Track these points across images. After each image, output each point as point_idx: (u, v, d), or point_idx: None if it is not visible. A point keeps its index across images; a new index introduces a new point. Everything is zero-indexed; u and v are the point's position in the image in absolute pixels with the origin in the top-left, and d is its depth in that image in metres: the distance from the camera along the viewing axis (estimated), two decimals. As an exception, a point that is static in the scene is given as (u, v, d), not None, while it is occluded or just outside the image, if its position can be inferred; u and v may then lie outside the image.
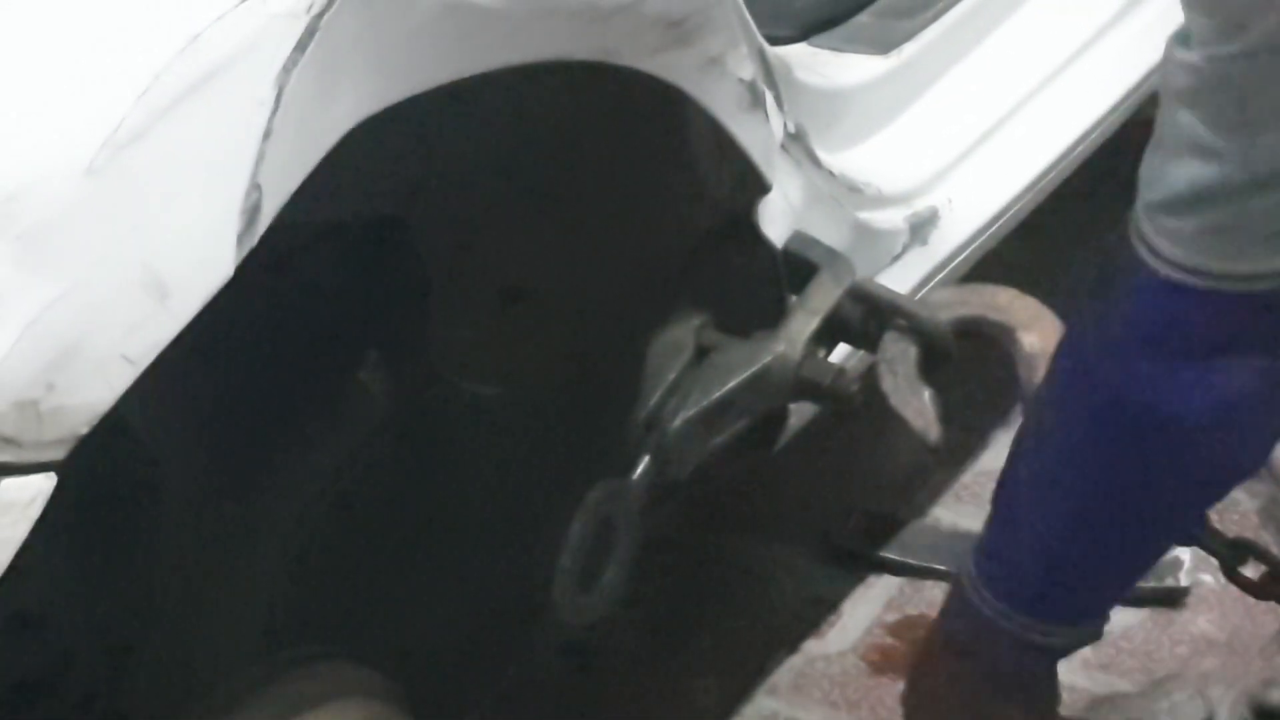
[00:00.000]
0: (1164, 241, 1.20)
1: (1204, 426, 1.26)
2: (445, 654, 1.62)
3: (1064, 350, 1.35)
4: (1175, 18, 1.88)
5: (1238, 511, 1.80)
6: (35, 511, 1.01)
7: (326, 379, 1.53)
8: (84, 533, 1.30)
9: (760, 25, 1.48)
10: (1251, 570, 1.53)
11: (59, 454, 1.02)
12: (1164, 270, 1.20)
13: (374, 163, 1.19)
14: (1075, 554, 1.37)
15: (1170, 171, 1.19)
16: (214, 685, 1.38)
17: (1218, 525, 1.50)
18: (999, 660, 1.43)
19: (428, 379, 1.56)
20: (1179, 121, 1.18)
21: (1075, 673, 1.75)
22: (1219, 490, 1.38)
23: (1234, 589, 1.55)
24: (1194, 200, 1.18)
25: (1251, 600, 1.59)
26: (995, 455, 1.94)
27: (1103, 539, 1.35)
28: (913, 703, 1.53)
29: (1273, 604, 1.54)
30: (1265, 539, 1.65)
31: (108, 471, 1.23)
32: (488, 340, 1.55)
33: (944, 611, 1.49)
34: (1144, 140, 1.33)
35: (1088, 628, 1.45)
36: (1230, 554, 1.49)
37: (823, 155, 1.59)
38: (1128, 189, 1.59)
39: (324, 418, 1.54)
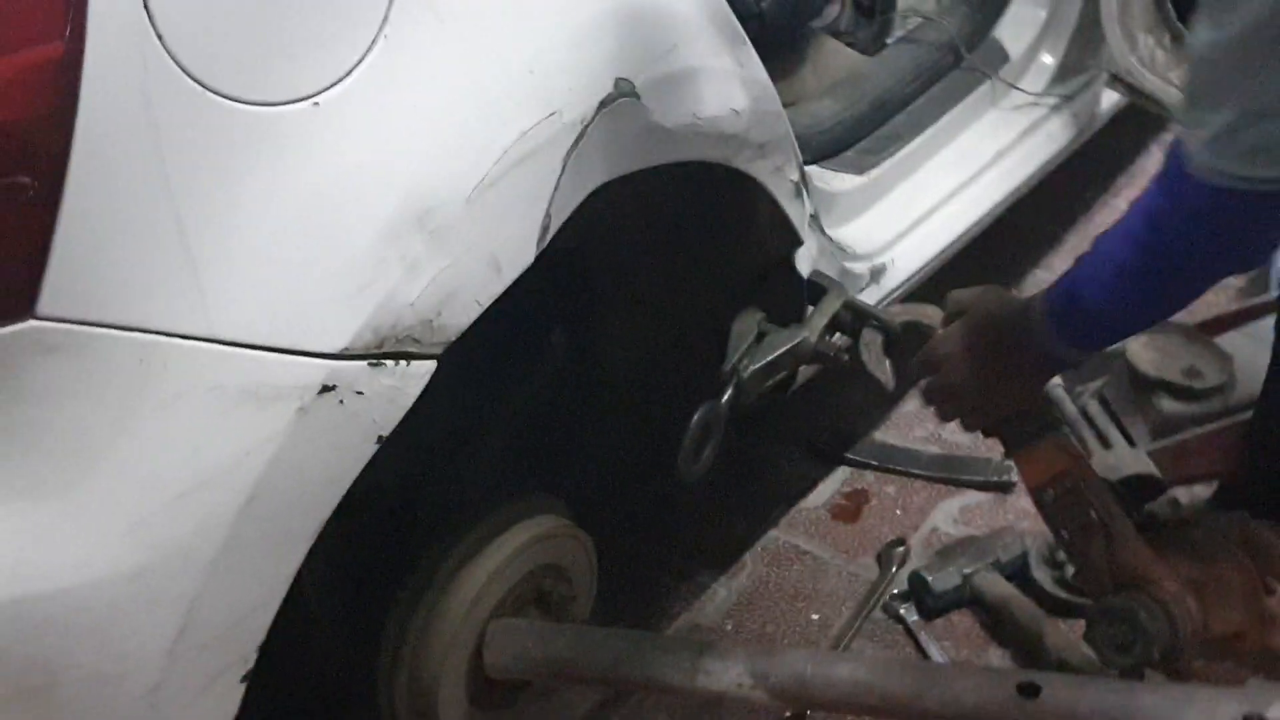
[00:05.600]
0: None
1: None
2: (606, 491, 1.68)
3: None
4: (1037, 154, 1.91)
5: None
6: (424, 382, 1.08)
7: (530, 339, 1.58)
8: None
9: (791, 153, 1.52)
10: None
11: (439, 350, 1.09)
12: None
13: (571, 216, 1.22)
14: (1118, 308, 1.26)
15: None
16: (464, 513, 1.41)
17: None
18: (1036, 355, 1.32)
19: (594, 342, 1.61)
20: None
21: (949, 524, 1.87)
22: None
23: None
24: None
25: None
26: (909, 403, 2.01)
27: (1140, 300, 1.24)
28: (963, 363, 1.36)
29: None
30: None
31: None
32: (632, 325, 1.61)
33: (1008, 322, 1.33)
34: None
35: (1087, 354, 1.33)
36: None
37: (826, 228, 1.67)
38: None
39: (529, 361, 1.59)
